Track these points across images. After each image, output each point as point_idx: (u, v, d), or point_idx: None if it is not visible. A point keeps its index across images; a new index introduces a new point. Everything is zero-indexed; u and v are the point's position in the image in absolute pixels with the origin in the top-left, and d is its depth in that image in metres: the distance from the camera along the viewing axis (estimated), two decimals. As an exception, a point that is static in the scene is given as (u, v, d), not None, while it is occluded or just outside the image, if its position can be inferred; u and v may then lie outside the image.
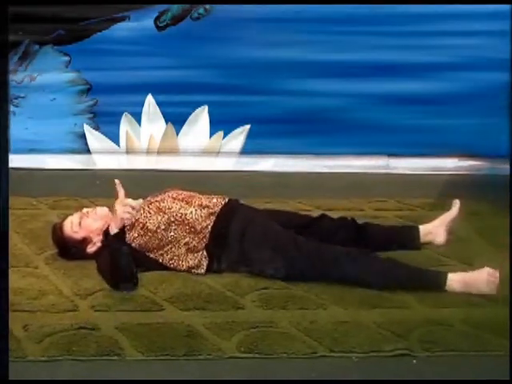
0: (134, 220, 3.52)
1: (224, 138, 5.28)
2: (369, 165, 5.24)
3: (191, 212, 3.56)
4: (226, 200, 3.67)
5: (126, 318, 3.13)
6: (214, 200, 3.65)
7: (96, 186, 4.71)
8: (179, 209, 3.57)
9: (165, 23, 5.16)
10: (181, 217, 3.55)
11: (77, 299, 3.27)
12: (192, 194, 3.70)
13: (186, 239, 3.53)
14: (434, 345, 2.96)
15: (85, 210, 3.72)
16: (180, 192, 3.69)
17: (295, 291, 3.37)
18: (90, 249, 3.62)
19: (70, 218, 3.66)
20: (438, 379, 2.80)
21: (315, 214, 3.95)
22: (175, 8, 5.15)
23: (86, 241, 3.62)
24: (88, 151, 5.25)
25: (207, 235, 3.53)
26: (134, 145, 5.26)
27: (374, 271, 3.43)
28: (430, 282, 3.42)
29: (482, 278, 3.34)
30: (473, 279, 3.36)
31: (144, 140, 5.27)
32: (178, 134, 5.25)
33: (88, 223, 3.63)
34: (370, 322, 3.12)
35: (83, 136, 5.24)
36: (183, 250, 3.53)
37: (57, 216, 3.95)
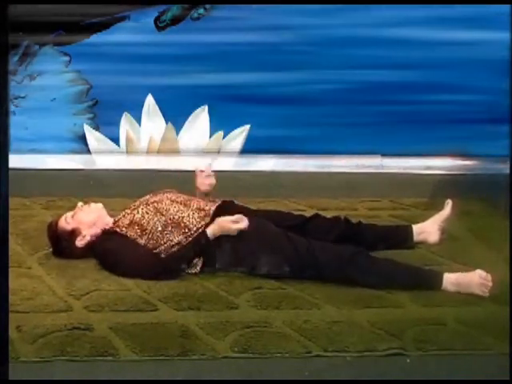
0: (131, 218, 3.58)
1: (224, 137, 5.28)
2: (362, 164, 5.25)
3: (188, 215, 3.58)
4: (220, 202, 3.70)
5: (119, 318, 3.12)
6: (210, 202, 3.69)
7: (91, 186, 4.73)
8: (177, 211, 3.59)
9: (165, 23, 5.16)
10: (178, 219, 3.56)
11: (70, 299, 3.26)
12: (190, 197, 3.71)
13: (180, 237, 3.53)
14: (427, 344, 2.96)
15: (80, 204, 3.74)
16: (178, 195, 3.72)
17: (289, 291, 3.37)
18: (79, 242, 3.62)
19: (66, 214, 3.70)
20: (432, 379, 2.80)
21: (309, 213, 3.94)
22: (175, 8, 5.15)
23: (75, 232, 3.62)
24: (88, 151, 5.27)
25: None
26: (133, 145, 5.27)
27: (371, 270, 3.43)
28: (427, 282, 3.42)
29: (474, 281, 3.34)
30: (466, 281, 3.36)
31: (144, 140, 5.27)
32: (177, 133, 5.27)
33: (80, 215, 3.66)
34: (364, 321, 3.12)
35: (83, 136, 5.26)
36: (176, 249, 3.53)
37: (50, 216, 3.95)
